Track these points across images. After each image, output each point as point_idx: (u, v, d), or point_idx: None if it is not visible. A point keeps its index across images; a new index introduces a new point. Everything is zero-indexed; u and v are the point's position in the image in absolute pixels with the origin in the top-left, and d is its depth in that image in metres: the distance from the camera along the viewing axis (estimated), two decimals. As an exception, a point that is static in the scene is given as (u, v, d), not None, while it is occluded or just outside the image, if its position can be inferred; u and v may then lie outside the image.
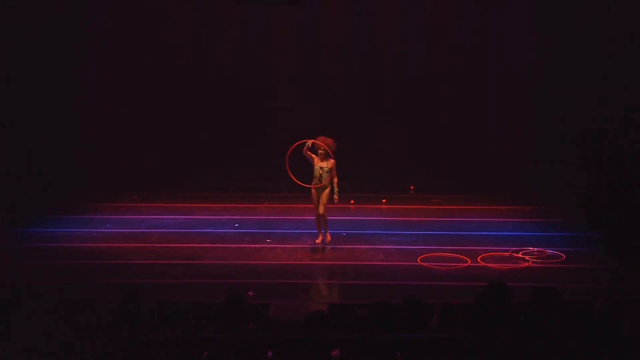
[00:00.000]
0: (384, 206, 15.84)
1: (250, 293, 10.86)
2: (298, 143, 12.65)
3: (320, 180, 12.76)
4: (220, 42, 18.14)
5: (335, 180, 12.77)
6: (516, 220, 14.88)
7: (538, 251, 12.83)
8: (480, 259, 12.49)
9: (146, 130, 17.72)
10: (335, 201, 12.89)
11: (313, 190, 12.87)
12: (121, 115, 17.73)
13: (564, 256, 12.62)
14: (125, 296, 7.61)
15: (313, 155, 12.78)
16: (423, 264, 12.36)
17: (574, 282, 11.37)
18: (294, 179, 12.82)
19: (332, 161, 12.73)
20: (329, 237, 13.23)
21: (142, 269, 12.03)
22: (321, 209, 12.89)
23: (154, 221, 14.63)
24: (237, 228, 14.19)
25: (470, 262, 12.36)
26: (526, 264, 12.39)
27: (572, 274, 11.90)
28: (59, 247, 13.02)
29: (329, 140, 12.76)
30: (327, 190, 12.83)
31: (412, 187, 16.95)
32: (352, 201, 15.95)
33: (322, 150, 12.69)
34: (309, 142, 12.63)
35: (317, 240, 13.23)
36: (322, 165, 12.73)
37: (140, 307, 7.62)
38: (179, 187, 16.88)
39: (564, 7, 16.19)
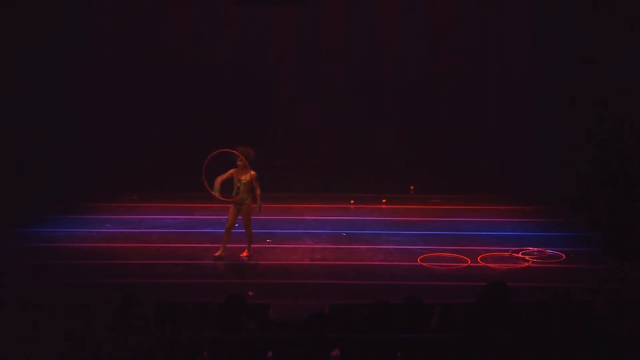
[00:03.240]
0: (384, 206, 15.85)
1: (250, 293, 10.87)
2: (214, 154, 12.27)
3: (237, 194, 12.28)
4: (220, 42, 18.11)
5: (258, 192, 12.29)
6: (516, 220, 14.90)
7: (538, 251, 12.84)
8: (480, 259, 12.50)
9: (146, 130, 17.70)
10: (259, 213, 12.43)
11: (232, 205, 12.40)
12: (121, 115, 17.71)
13: (564, 256, 12.63)
14: (125, 297, 7.61)
15: (230, 171, 12.29)
16: (423, 264, 12.36)
17: (574, 282, 11.37)
18: (212, 192, 12.23)
19: (252, 173, 12.23)
20: (245, 253, 12.66)
21: (142, 269, 12.04)
22: (245, 224, 12.44)
23: (154, 221, 14.64)
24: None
25: (470, 262, 12.38)
26: (526, 264, 12.40)
27: (572, 274, 11.91)
28: (59, 247, 13.03)
29: (248, 151, 12.24)
30: (246, 204, 12.33)
31: (412, 187, 16.95)
32: (352, 201, 15.96)
33: (240, 162, 12.20)
34: (216, 189, 12.04)
35: (215, 254, 12.48)
36: (240, 178, 12.24)
37: (140, 307, 7.63)
38: (179, 187, 16.88)
39: (564, 7, 16.18)
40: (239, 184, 12.26)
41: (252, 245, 13.11)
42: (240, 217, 12.52)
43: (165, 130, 17.85)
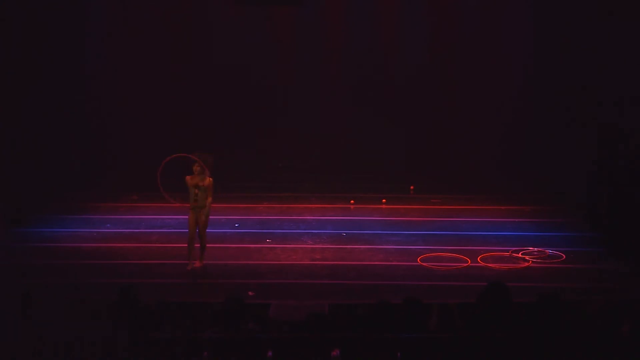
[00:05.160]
0: (384, 206, 15.84)
1: (250, 293, 10.87)
2: (169, 158, 11.94)
3: (195, 201, 11.77)
4: (220, 42, 18.12)
5: (210, 199, 11.83)
6: (516, 220, 14.88)
7: (538, 251, 12.83)
8: (480, 259, 12.49)
9: (146, 130, 17.71)
10: (204, 220, 11.88)
11: (190, 212, 11.90)
12: (121, 115, 17.74)
13: (564, 256, 12.63)
14: (125, 296, 7.61)
15: (186, 179, 11.85)
16: (423, 264, 12.36)
17: (574, 282, 11.37)
18: (169, 198, 11.99)
19: (209, 179, 11.75)
20: (198, 264, 12.02)
21: (142, 269, 12.03)
22: (202, 232, 11.90)
23: (154, 221, 14.63)
24: (237, 228, 14.19)
25: (470, 262, 12.37)
26: (526, 264, 12.39)
27: (572, 274, 11.91)
28: (59, 247, 13.02)
29: (207, 157, 11.79)
30: (204, 211, 11.85)
31: (412, 187, 16.94)
32: (352, 201, 15.95)
33: (198, 166, 11.73)
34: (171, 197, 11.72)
35: (188, 268, 11.96)
36: (198, 184, 11.74)
37: (138, 306, 7.63)
38: (179, 187, 16.83)
39: (564, 8, 16.18)
40: (197, 191, 11.77)
41: (252, 246, 13.13)
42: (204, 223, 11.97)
43: (165, 130, 17.84)
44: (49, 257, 12.52)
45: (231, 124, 18.09)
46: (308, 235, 13.78)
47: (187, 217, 12.02)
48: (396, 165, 17.82)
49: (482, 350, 6.81)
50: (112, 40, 17.72)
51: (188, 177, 11.84)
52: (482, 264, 12.35)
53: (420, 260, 12.48)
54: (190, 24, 18.12)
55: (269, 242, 13.40)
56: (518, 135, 17.50)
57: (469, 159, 17.87)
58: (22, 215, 14.44)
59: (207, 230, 12.01)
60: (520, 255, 12.70)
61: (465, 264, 12.33)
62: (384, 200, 16.02)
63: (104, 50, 17.71)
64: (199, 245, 12.03)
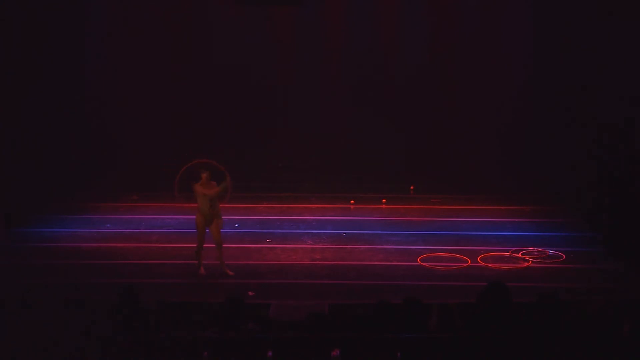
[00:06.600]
0: (384, 206, 15.84)
1: (250, 293, 10.87)
2: (187, 166, 11.88)
3: (211, 207, 11.56)
4: (220, 42, 18.13)
5: (219, 205, 11.76)
6: (516, 220, 14.88)
7: (538, 251, 12.83)
8: (480, 259, 12.50)
9: (146, 130, 17.71)
10: (221, 227, 11.81)
11: (199, 218, 11.70)
12: (122, 115, 17.75)
13: (564, 256, 12.63)
14: (125, 296, 7.61)
15: (197, 189, 11.58)
16: (423, 264, 12.36)
17: (574, 282, 11.37)
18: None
19: (214, 184, 11.64)
20: (203, 271, 11.83)
21: (142, 269, 12.04)
22: (218, 239, 11.71)
23: (154, 221, 14.63)
24: (237, 228, 14.19)
25: (470, 262, 12.37)
26: (526, 264, 12.40)
27: (572, 274, 11.91)
28: (59, 247, 13.02)
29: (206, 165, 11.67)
30: (216, 218, 11.70)
31: (412, 187, 16.94)
32: (352, 201, 15.95)
33: (205, 174, 11.57)
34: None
35: (201, 272, 11.84)
36: (209, 193, 11.57)
37: (138, 306, 7.63)
38: (179, 186, 16.82)
39: (564, 8, 16.19)
40: (209, 199, 11.61)
41: (252, 246, 13.13)
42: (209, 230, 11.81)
43: (165, 130, 17.86)
44: (49, 257, 12.52)
45: (231, 124, 18.08)
46: (308, 235, 13.78)
47: (186, 216, 11.99)
48: (396, 165, 17.82)
49: (482, 350, 6.80)
50: (112, 40, 17.72)
51: (198, 185, 11.62)
52: (482, 264, 12.35)
53: (420, 260, 12.48)
54: (190, 24, 18.13)
55: (269, 242, 13.40)
56: (518, 135, 17.50)
57: (469, 159, 17.87)
58: (22, 215, 14.44)
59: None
60: (520, 255, 12.71)
61: (465, 264, 12.34)
62: (384, 200, 16.02)
63: (104, 50, 17.72)
64: (209, 245, 11.90)
